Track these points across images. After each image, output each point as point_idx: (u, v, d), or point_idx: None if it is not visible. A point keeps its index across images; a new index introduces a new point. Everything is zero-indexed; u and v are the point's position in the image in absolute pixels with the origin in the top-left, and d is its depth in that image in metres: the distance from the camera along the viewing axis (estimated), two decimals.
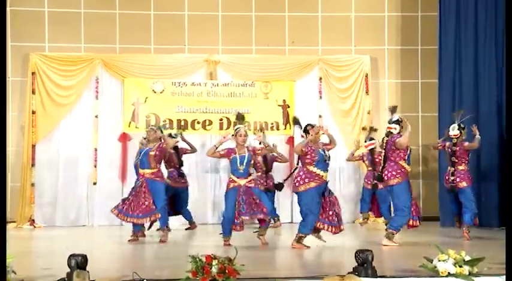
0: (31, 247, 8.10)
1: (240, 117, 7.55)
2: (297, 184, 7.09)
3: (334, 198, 7.26)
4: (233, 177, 7.31)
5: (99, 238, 9.12)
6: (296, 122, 7.50)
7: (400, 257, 6.54)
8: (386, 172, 7.31)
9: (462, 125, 8.18)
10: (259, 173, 9.39)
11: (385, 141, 7.46)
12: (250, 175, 7.42)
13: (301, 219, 7.19)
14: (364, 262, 4.60)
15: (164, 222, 7.85)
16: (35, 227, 10.16)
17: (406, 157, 7.31)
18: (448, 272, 4.52)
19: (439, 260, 4.58)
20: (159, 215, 7.79)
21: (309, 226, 7.08)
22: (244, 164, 7.29)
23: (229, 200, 7.30)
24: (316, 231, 7.26)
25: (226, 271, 4.31)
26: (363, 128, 10.10)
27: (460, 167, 8.13)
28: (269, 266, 5.90)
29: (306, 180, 7.03)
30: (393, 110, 7.50)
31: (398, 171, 7.25)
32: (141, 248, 7.77)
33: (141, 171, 7.77)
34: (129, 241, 7.87)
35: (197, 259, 4.38)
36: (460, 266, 4.55)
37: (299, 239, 7.11)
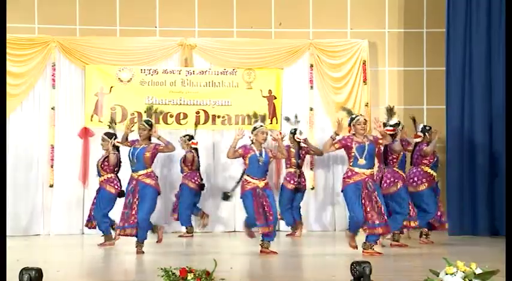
0: None
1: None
2: None
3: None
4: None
5: (56, 248, 9.06)
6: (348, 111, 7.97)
7: (402, 270, 6.58)
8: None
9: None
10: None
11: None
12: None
13: None
14: (361, 275, 4.62)
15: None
16: None
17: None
18: None
19: (447, 274, 4.60)
20: None
21: None
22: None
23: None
24: None
25: None
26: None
27: None
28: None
29: None
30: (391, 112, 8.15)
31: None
32: (103, 260, 7.74)
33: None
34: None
35: (169, 273, 4.37)
36: (470, 280, 4.57)
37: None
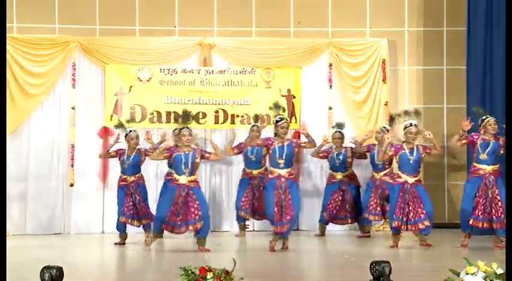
0: None
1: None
2: None
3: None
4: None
5: (76, 247, 9.11)
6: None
7: (422, 269, 6.55)
8: None
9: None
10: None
11: None
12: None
13: None
14: (380, 275, 4.60)
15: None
16: None
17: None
18: None
19: (467, 274, 4.57)
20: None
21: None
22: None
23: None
24: None
25: None
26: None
27: None
28: (269, 280, 5.90)
29: None
30: None
31: None
32: (124, 259, 7.78)
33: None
34: None
35: (189, 272, 4.38)
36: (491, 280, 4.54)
37: None
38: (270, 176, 8.04)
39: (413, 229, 8.14)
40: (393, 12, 11.15)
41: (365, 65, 10.98)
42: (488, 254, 7.23)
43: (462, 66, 10.28)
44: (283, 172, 7.97)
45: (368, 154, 9.92)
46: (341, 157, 9.90)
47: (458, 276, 4.63)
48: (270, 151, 8.04)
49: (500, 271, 4.59)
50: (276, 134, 8.15)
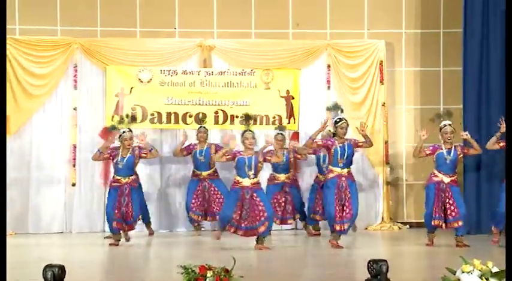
0: None
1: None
2: None
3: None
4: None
5: (78, 246, 9.13)
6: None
7: (419, 268, 6.58)
8: None
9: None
10: None
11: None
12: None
13: None
14: (378, 273, 4.62)
15: None
16: None
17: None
18: None
19: (463, 272, 4.59)
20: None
21: None
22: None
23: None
24: None
25: None
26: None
27: None
28: (269, 278, 5.93)
29: None
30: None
31: None
32: (125, 257, 7.80)
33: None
34: None
35: (189, 270, 4.40)
36: (487, 279, 4.56)
37: None
38: (330, 175, 8.17)
39: (451, 227, 8.23)
40: (391, 15, 11.18)
41: (363, 66, 11.01)
42: (484, 253, 7.26)
43: (459, 68, 10.30)
44: (344, 171, 8.13)
45: (314, 156, 9.99)
46: (284, 159, 9.83)
47: (455, 274, 4.65)
48: (332, 151, 8.16)
49: (495, 269, 4.62)
50: (335, 135, 8.31)
